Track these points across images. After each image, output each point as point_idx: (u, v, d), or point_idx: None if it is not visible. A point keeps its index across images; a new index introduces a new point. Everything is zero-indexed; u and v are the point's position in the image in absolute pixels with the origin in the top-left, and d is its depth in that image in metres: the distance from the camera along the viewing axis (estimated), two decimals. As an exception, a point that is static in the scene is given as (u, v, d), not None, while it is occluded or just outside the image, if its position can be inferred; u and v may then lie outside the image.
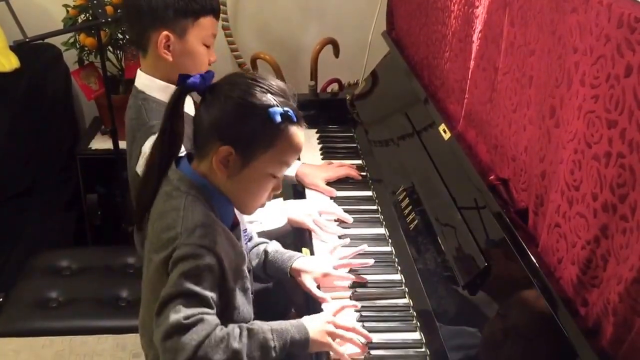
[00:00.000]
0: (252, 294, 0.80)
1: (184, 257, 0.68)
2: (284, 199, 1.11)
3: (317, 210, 1.03)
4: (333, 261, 0.91)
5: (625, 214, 0.56)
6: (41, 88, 1.55)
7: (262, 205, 0.77)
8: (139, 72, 1.00)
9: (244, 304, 0.76)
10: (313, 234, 1.01)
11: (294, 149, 0.73)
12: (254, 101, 0.70)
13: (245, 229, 0.84)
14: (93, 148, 1.60)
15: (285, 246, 0.94)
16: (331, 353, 0.76)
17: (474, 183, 0.86)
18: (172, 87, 0.84)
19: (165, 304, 0.67)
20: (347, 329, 0.78)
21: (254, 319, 0.78)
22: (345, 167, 1.18)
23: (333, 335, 0.76)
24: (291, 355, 0.74)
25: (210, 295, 0.68)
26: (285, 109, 0.71)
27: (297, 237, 1.03)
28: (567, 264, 0.66)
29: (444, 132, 1.00)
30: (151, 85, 0.97)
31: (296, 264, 0.87)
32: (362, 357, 0.78)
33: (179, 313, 0.66)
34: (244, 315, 0.75)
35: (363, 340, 0.78)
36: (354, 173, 1.17)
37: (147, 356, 0.80)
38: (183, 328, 0.66)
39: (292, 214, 1.01)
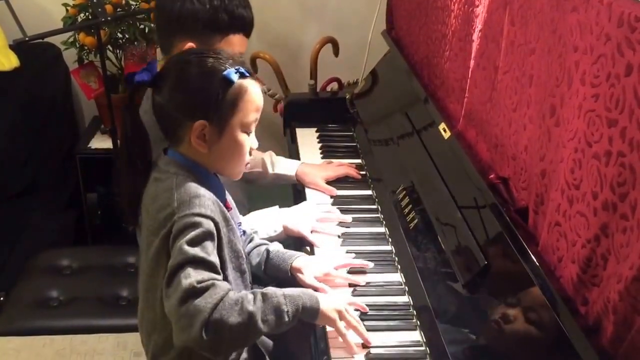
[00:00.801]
0: (251, 283, 0.80)
1: (184, 228, 0.70)
2: (284, 198, 1.10)
3: (314, 217, 1.01)
4: (334, 261, 0.91)
5: (626, 213, 0.56)
6: (41, 87, 1.55)
7: (244, 168, 0.79)
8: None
9: (238, 284, 0.76)
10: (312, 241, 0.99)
11: (257, 101, 0.76)
12: (208, 71, 0.73)
13: (240, 223, 0.84)
14: (93, 147, 1.60)
15: (285, 247, 0.94)
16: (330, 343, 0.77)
17: (474, 182, 0.86)
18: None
19: (175, 273, 0.68)
20: (354, 320, 0.79)
21: None
22: (344, 166, 1.18)
23: (341, 316, 0.77)
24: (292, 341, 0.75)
25: (216, 261, 0.70)
26: (237, 67, 0.74)
27: (297, 242, 1.02)
28: (568, 263, 0.66)
29: (444, 131, 1.00)
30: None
31: (296, 263, 0.87)
32: (363, 355, 0.78)
33: (190, 278, 0.67)
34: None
35: (366, 336, 0.79)
36: (353, 172, 1.17)
37: (146, 352, 0.80)
38: (197, 292, 0.67)
39: (290, 224, 0.99)
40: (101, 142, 1.60)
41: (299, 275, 0.87)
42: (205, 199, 0.72)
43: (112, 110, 1.41)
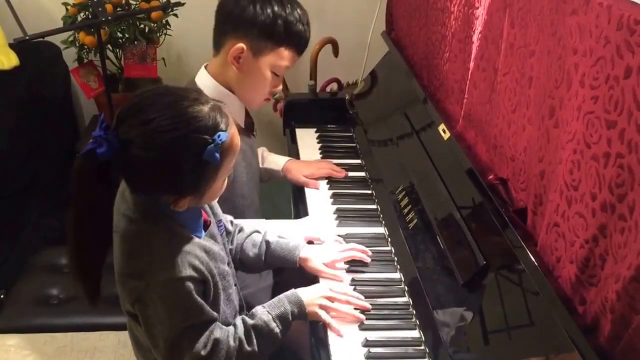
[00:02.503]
0: (236, 285, 0.81)
1: (162, 295, 0.67)
2: (282, 197, 1.10)
3: (303, 236, 0.96)
4: (337, 247, 0.93)
5: (624, 214, 0.57)
6: (40, 86, 1.55)
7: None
8: (203, 69, 1.01)
9: (229, 302, 0.77)
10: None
11: (235, 151, 0.69)
12: (184, 158, 0.64)
13: (220, 220, 0.82)
14: (92, 146, 1.60)
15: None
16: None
17: (473, 183, 0.86)
18: (229, 96, 0.86)
19: (173, 345, 0.68)
20: (342, 302, 0.81)
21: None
22: (327, 165, 1.18)
23: (326, 308, 0.79)
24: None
25: (207, 311, 0.70)
26: (217, 138, 0.65)
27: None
28: (566, 263, 0.67)
29: (444, 132, 1.00)
30: (210, 86, 0.97)
31: (304, 253, 0.89)
32: (363, 354, 0.78)
33: (194, 349, 0.69)
34: (227, 314, 0.77)
35: (358, 312, 0.81)
36: (335, 173, 1.17)
37: (137, 357, 0.81)
38: (204, 359, 0.69)
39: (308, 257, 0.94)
40: (101, 141, 1.60)
41: (309, 264, 0.88)
42: (181, 255, 0.67)
43: (112, 109, 1.41)
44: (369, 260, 0.93)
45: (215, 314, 0.72)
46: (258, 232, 0.92)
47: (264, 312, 0.76)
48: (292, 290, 0.80)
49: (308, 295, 0.79)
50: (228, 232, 0.87)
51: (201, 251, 0.72)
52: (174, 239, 0.69)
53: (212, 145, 0.65)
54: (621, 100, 0.58)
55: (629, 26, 0.57)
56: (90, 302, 0.72)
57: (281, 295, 0.79)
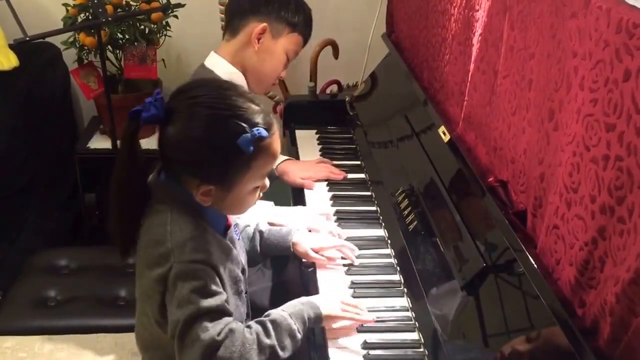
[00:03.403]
0: (246, 293, 0.81)
1: (183, 277, 0.68)
2: (282, 197, 1.11)
3: (305, 226, 0.98)
4: (330, 237, 0.94)
5: (623, 216, 0.57)
6: (40, 87, 1.55)
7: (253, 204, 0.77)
8: (212, 53, 1.06)
9: (237, 307, 0.77)
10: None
11: (272, 158, 0.72)
12: (218, 137, 0.66)
13: (236, 224, 0.84)
14: (92, 147, 1.59)
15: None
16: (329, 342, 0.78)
17: (473, 185, 0.87)
18: (237, 74, 0.91)
19: (190, 325, 0.67)
20: (354, 310, 0.81)
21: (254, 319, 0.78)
22: (326, 168, 1.19)
23: (341, 311, 0.79)
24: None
25: (224, 299, 0.69)
26: (255, 130, 0.67)
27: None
28: (565, 265, 0.67)
29: (444, 134, 1.01)
30: (222, 65, 1.04)
31: (296, 238, 0.90)
32: (362, 356, 0.78)
33: (209, 331, 0.67)
34: (237, 320, 0.76)
35: (366, 318, 0.81)
36: (333, 176, 1.18)
37: (143, 358, 0.81)
38: (218, 345, 0.67)
39: (278, 221, 0.99)
40: (100, 143, 1.60)
41: (299, 249, 0.90)
42: (202, 241, 0.69)
43: (112, 110, 1.41)
44: (354, 259, 0.94)
45: (231, 310, 0.70)
46: (249, 225, 0.92)
47: (278, 311, 0.75)
48: (304, 297, 0.79)
49: (323, 299, 0.79)
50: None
51: (220, 248, 0.72)
52: (197, 229, 0.70)
53: (249, 134, 0.67)
54: (620, 103, 0.58)
55: (628, 29, 0.57)
56: (123, 256, 0.75)
57: (292, 301, 0.78)
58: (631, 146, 0.56)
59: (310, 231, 0.98)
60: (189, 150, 0.68)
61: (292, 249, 0.90)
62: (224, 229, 0.77)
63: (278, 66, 1.06)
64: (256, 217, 0.99)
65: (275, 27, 1.03)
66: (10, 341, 1.05)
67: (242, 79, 1.05)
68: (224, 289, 0.72)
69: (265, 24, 1.02)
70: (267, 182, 0.75)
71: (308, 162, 1.23)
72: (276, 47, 1.04)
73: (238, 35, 1.03)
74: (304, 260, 0.93)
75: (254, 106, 0.70)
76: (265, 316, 0.75)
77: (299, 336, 0.73)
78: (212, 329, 0.67)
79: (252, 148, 0.67)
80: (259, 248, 0.90)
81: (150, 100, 0.68)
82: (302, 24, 1.07)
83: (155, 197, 0.73)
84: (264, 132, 0.68)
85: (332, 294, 0.82)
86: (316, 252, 0.91)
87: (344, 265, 0.94)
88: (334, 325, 0.79)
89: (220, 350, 0.67)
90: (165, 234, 0.69)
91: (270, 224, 0.99)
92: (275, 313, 0.74)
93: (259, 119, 0.69)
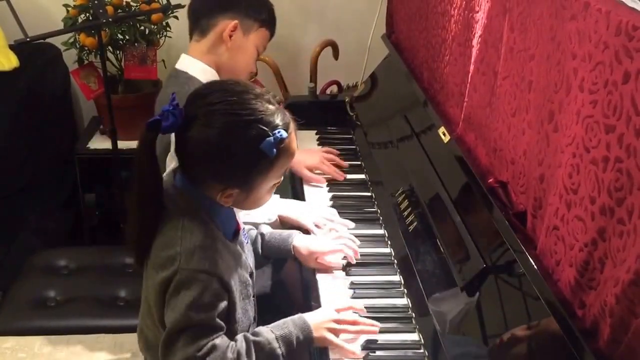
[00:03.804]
0: (254, 297, 0.81)
1: (186, 284, 0.68)
2: (281, 194, 1.11)
3: (320, 214, 1.03)
4: (330, 237, 0.94)
5: (622, 218, 0.57)
6: (40, 87, 1.55)
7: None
8: (183, 56, 1.07)
9: (245, 312, 0.76)
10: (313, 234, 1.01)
11: (291, 156, 0.73)
12: (238, 144, 0.67)
13: (244, 228, 0.84)
14: (92, 148, 1.59)
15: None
16: (330, 351, 0.77)
17: (473, 186, 0.87)
18: (211, 72, 0.90)
19: (175, 336, 0.67)
20: (350, 323, 0.79)
21: (257, 320, 0.78)
22: (329, 166, 1.19)
23: (335, 332, 0.77)
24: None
25: (219, 320, 0.69)
26: (277, 134, 0.67)
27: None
28: (565, 266, 0.67)
29: (444, 135, 1.01)
30: (195, 66, 1.04)
31: (297, 241, 0.90)
32: (362, 357, 0.78)
33: (190, 347, 0.67)
34: (244, 324, 0.76)
35: (368, 329, 0.80)
36: (336, 175, 1.18)
37: (145, 358, 0.81)
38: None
39: (288, 212, 1.02)
40: (100, 143, 1.60)
41: (300, 252, 0.89)
42: (210, 251, 0.69)
43: (112, 110, 1.41)
44: (354, 261, 0.93)
45: (223, 324, 0.70)
46: (252, 228, 0.92)
47: (267, 331, 0.74)
48: (299, 315, 0.77)
49: (315, 320, 0.77)
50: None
51: (230, 255, 0.72)
52: (208, 237, 0.70)
53: (272, 137, 0.67)
54: (620, 105, 0.58)
55: (627, 32, 0.57)
56: (138, 262, 0.74)
57: (287, 319, 0.77)
58: (631, 148, 0.56)
59: (316, 226, 1.00)
60: (211, 157, 0.68)
61: (292, 252, 0.90)
62: (234, 233, 0.77)
63: (250, 61, 1.08)
64: (265, 211, 1.00)
65: (245, 24, 1.04)
66: (9, 341, 1.05)
67: (215, 77, 1.05)
68: (231, 296, 0.71)
69: (236, 22, 1.02)
70: (281, 177, 0.76)
71: (313, 149, 1.23)
72: (247, 43, 1.05)
73: (208, 35, 1.03)
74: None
75: (270, 106, 0.70)
76: (253, 334, 0.75)
77: (281, 359, 0.72)
78: (195, 345, 0.67)
79: (275, 151, 0.67)
80: (260, 251, 0.90)
81: (167, 108, 0.66)
82: (269, 20, 1.07)
83: (169, 200, 0.72)
84: (285, 134, 0.69)
85: (325, 310, 0.79)
86: (317, 256, 0.91)
87: (344, 266, 0.94)
88: (336, 341, 0.77)
89: None
90: (175, 238, 0.69)
91: (281, 218, 1.00)
92: (263, 335, 0.74)
93: (278, 120, 0.69)
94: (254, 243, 0.90)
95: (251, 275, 0.79)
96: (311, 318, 0.77)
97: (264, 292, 1.03)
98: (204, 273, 0.68)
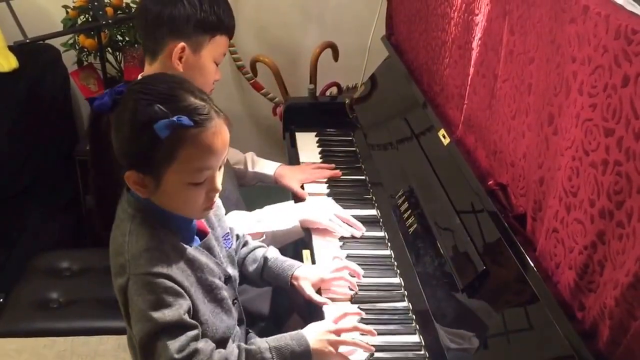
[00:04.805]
0: (235, 300, 0.79)
1: (138, 290, 0.68)
2: (281, 200, 1.11)
3: (332, 211, 1.02)
4: (331, 266, 0.91)
5: (622, 221, 0.58)
6: (40, 89, 1.55)
7: (210, 207, 0.73)
8: (141, 76, 1.01)
9: (216, 315, 0.74)
10: (314, 235, 1.01)
11: (203, 152, 0.68)
12: (136, 119, 0.67)
13: (228, 233, 0.82)
14: (92, 149, 1.60)
15: (283, 249, 0.95)
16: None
17: (473, 188, 0.87)
18: None
19: (149, 344, 0.67)
20: (350, 331, 0.78)
21: (262, 325, 0.78)
22: (321, 170, 1.19)
23: (335, 344, 0.76)
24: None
25: (184, 312, 0.68)
26: (174, 118, 0.65)
27: (297, 244, 1.03)
28: (565, 269, 0.67)
29: (444, 137, 1.01)
30: None
31: (297, 273, 0.87)
32: (363, 359, 0.78)
33: (168, 350, 0.66)
34: (218, 327, 0.74)
35: (367, 340, 0.78)
36: (328, 173, 1.18)
37: None
38: None
39: (307, 215, 1.00)
40: (100, 144, 1.60)
41: (298, 284, 0.86)
42: (156, 252, 0.68)
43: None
44: (356, 289, 0.90)
45: (194, 322, 0.69)
46: (263, 246, 0.91)
47: (261, 341, 0.73)
48: (297, 330, 0.76)
49: (313, 333, 0.75)
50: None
51: (181, 259, 0.71)
52: (153, 241, 0.70)
53: (167, 120, 0.65)
54: (619, 108, 0.58)
55: (626, 36, 0.57)
56: (101, 234, 0.75)
57: (285, 333, 0.76)
58: (630, 151, 0.57)
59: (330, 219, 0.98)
60: (120, 134, 0.69)
61: (290, 283, 0.86)
62: (197, 236, 0.75)
63: (209, 77, 0.98)
64: (279, 217, 0.99)
65: (194, 42, 0.94)
66: (14, 343, 1.05)
67: None
68: (191, 297, 0.70)
69: (182, 44, 0.93)
70: (218, 184, 0.71)
71: (304, 165, 1.23)
72: (201, 61, 0.95)
73: (158, 59, 0.96)
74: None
75: (193, 99, 0.68)
76: (247, 344, 0.74)
77: None
78: (172, 346, 0.66)
79: (166, 133, 0.65)
80: (261, 274, 0.88)
81: (114, 89, 0.69)
82: (220, 25, 0.96)
83: (121, 205, 0.73)
84: (186, 121, 0.66)
85: (326, 325, 0.77)
86: (317, 284, 0.86)
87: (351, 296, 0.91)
88: (334, 352, 0.75)
89: None
90: (123, 245, 0.70)
91: (303, 222, 0.98)
92: (256, 343, 0.73)
93: (189, 110, 0.67)
94: (257, 264, 0.88)
95: (227, 280, 0.78)
96: (308, 331, 0.76)
97: (263, 298, 1.02)
98: (152, 275, 0.67)
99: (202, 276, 0.73)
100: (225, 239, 0.81)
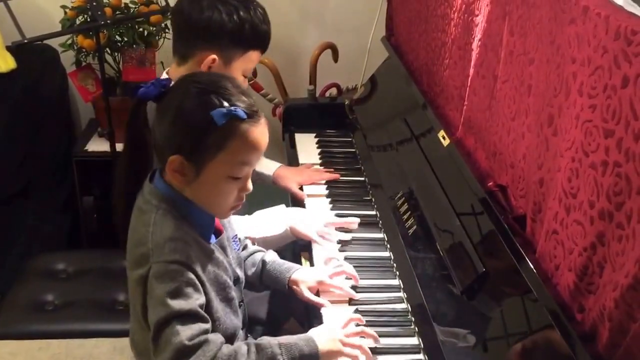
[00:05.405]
0: (241, 302, 0.80)
1: (160, 277, 0.68)
2: (281, 203, 1.11)
3: (322, 221, 1.01)
4: (328, 270, 0.91)
5: (621, 222, 0.57)
6: (37, 89, 1.54)
7: (237, 207, 0.74)
8: (165, 75, 0.99)
9: (226, 314, 0.75)
10: (314, 243, 1.00)
11: (249, 147, 0.70)
12: (195, 105, 0.69)
13: (236, 235, 0.83)
14: (89, 150, 1.59)
15: (282, 252, 0.95)
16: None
17: (473, 189, 0.87)
18: None
19: (161, 329, 0.67)
20: (355, 335, 0.78)
21: (260, 329, 0.78)
22: (320, 172, 1.19)
23: (342, 350, 0.75)
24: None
25: (200, 305, 0.68)
26: (231, 108, 0.68)
27: (296, 243, 1.03)
28: (564, 271, 0.67)
29: (443, 138, 1.01)
30: None
31: (294, 276, 0.87)
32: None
33: (179, 335, 0.66)
34: (227, 326, 0.75)
35: (371, 344, 0.78)
36: (327, 176, 1.18)
37: None
38: (189, 350, 0.66)
39: (296, 225, 1.00)
40: (98, 145, 1.59)
41: (295, 288, 0.87)
42: (181, 243, 0.69)
43: (110, 113, 1.40)
44: (355, 297, 0.89)
45: (207, 316, 0.69)
46: (262, 251, 0.91)
47: (270, 338, 0.73)
48: (305, 333, 0.76)
49: (321, 337, 0.75)
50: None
51: (202, 252, 0.72)
52: (178, 231, 0.70)
53: (224, 109, 0.68)
54: (619, 109, 0.58)
55: (626, 36, 0.57)
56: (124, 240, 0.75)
57: (292, 335, 0.76)
58: (629, 152, 0.57)
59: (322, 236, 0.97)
60: (169, 120, 0.70)
61: (287, 286, 0.86)
62: (213, 233, 0.76)
63: None
64: (269, 221, 0.98)
65: (226, 55, 0.93)
66: (8, 346, 1.04)
67: None
68: (206, 291, 0.71)
69: (214, 56, 0.91)
70: (250, 184, 0.73)
71: (303, 167, 1.23)
72: (230, 72, 0.93)
73: (187, 63, 0.94)
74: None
75: (243, 96, 0.71)
76: (256, 340, 0.74)
77: None
78: (183, 333, 0.66)
79: (223, 120, 0.67)
80: (260, 277, 0.88)
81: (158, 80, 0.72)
82: (256, 40, 0.95)
83: (143, 196, 0.74)
84: (241, 113, 0.68)
85: (333, 329, 0.77)
86: (315, 288, 0.87)
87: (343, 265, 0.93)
88: (346, 351, 0.75)
89: (189, 358, 0.65)
90: (147, 234, 0.70)
91: (293, 230, 0.98)
92: (265, 339, 0.73)
93: (241, 103, 0.70)
94: (255, 267, 0.88)
95: (236, 281, 0.78)
96: (316, 334, 0.76)
97: (261, 301, 1.01)
98: (176, 263, 0.68)
99: (218, 273, 0.74)
100: (234, 241, 0.81)
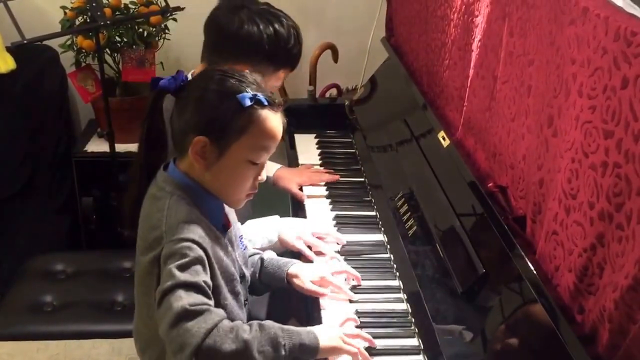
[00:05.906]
0: (246, 301, 0.80)
1: (172, 254, 0.69)
2: (283, 210, 1.10)
3: (310, 231, 1.00)
4: (330, 267, 0.91)
5: (621, 223, 0.57)
6: (37, 90, 1.54)
7: (249, 197, 0.76)
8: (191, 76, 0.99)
9: (233, 306, 0.75)
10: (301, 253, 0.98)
11: (269, 133, 0.73)
12: (222, 88, 0.72)
13: (241, 236, 0.84)
14: (89, 151, 1.59)
15: (282, 255, 0.94)
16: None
17: (473, 190, 0.87)
18: None
19: (165, 295, 0.67)
20: (354, 337, 0.78)
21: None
22: (319, 173, 1.19)
23: (343, 348, 0.75)
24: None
25: (207, 283, 0.69)
26: (255, 93, 0.72)
27: (291, 253, 1.02)
28: (564, 271, 0.67)
29: (443, 139, 1.01)
30: None
31: (292, 269, 0.87)
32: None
33: (182, 300, 0.66)
34: (234, 317, 0.75)
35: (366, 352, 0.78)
36: (327, 177, 1.18)
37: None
38: (190, 314, 0.65)
39: (284, 234, 0.99)
40: (97, 146, 1.59)
41: (295, 281, 0.86)
42: (193, 226, 0.70)
43: (109, 113, 1.40)
44: (354, 296, 0.89)
45: (211, 295, 0.69)
46: (259, 252, 0.91)
47: (274, 323, 0.73)
48: (309, 327, 0.75)
49: (323, 334, 0.74)
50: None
51: (213, 237, 0.73)
52: (193, 214, 0.72)
53: (250, 93, 0.72)
54: (618, 110, 0.58)
55: (626, 38, 0.57)
56: (127, 228, 0.78)
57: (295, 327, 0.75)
58: (629, 153, 0.57)
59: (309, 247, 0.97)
60: (192, 105, 0.72)
61: (286, 280, 0.86)
62: (222, 227, 0.77)
63: None
64: (259, 231, 0.98)
65: (257, 70, 0.91)
66: (6, 347, 1.04)
67: None
68: (214, 276, 0.71)
69: (246, 71, 0.92)
70: (264, 174, 0.75)
71: (302, 168, 1.23)
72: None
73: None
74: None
75: (262, 87, 0.75)
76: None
77: (283, 352, 0.69)
78: (186, 299, 0.65)
79: (249, 102, 0.71)
80: (258, 276, 0.88)
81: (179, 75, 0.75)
82: (289, 59, 0.97)
83: (156, 184, 0.75)
84: (264, 99, 0.72)
85: (334, 328, 0.77)
86: (318, 284, 0.86)
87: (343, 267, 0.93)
88: (347, 348, 0.75)
89: (190, 322, 0.64)
90: (161, 219, 0.71)
91: (281, 240, 0.97)
92: (269, 322, 0.72)
93: (262, 92, 0.73)
94: (254, 267, 0.88)
95: (242, 277, 0.79)
96: (319, 328, 0.76)
97: (261, 301, 1.01)
98: (187, 241, 0.69)
99: (227, 263, 0.75)
100: (240, 240, 0.82)
